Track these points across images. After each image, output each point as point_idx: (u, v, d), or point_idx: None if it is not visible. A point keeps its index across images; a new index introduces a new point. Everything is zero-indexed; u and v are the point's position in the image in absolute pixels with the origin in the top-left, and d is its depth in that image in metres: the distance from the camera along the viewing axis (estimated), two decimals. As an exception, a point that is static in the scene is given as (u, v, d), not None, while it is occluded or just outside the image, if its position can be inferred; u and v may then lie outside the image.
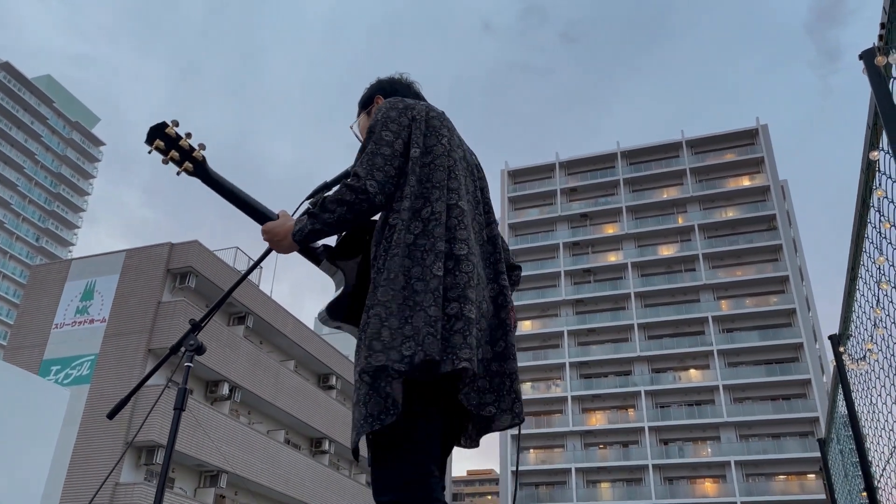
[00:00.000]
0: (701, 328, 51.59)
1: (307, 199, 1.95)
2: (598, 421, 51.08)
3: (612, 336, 53.32)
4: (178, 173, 1.79)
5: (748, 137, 56.94)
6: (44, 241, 78.04)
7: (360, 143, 2.09)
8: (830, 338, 2.75)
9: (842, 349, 2.69)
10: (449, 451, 1.77)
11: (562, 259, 56.77)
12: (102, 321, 23.52)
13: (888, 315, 1.80)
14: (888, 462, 2.03)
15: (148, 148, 1.75)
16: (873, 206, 1.81)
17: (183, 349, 1.94)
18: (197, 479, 23.55)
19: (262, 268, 28.86)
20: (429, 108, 1.90)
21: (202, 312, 19.97)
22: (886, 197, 1.62)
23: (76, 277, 24.77)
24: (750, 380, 48.66)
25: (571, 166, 61.09)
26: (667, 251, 55.07)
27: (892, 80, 1.44)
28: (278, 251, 1.78)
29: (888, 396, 1.93)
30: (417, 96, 2.09)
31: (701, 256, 53.41)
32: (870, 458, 2.46)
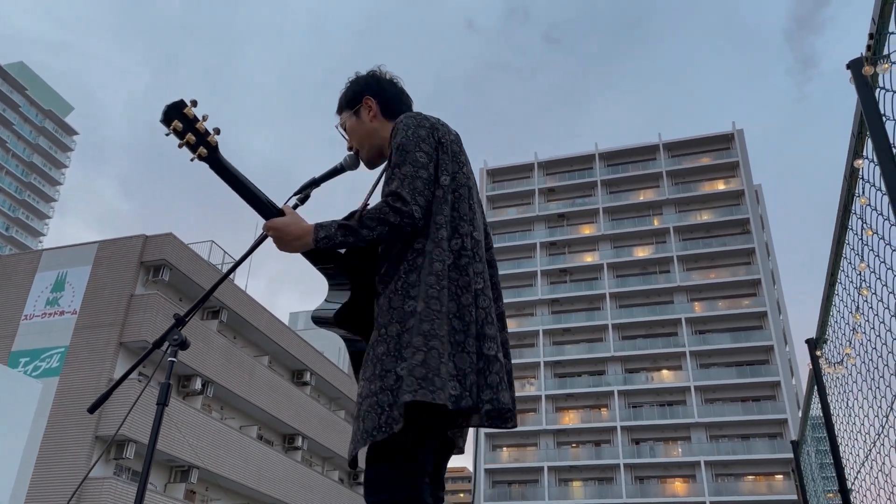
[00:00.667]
0: (674, 329, 52.16)
1: (295, 194, 1.93)
2: (571, 420, 51.44)
3: (587, 336, 53.70)
4: (191, 159, 1.70)
5: (724, 142, 57.63)
6: (14, 230, 76.65)
7: (344, 142, 2.08)
8: (808, 342, 2.80)
9: (819, 353, 2.73)
10: (446, 461, 1.81)
11: (538, 259, 57.05)
12: (73, 313, 23.16)
13: (867, 321, 1.83)
14: (863, 464, 2.07)
15: (165, 129, 1.65)
16: (855, 212, 1.84)
17: (167, 343, 1.90)
18: (167, 475, 23.31)
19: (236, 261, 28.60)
20: (446, 128, 1.91)
21: (176, 306, 19.70)
22: (870, 205, 1.64)
23: (47, 268, 24.36)
24: (721, 381, 49.30)
25: (550, 167, 61.38)
26: (642, 253, 55.58)
27: (878, 89, 1.46)
28: (283, 249, 1.75)
29: (864, 400, 1.97)
30: (405, 97, 2.08)
31: (675, 258, 53.99)
32: (843, 461, 2.50)
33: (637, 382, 51.10)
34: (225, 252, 27.79)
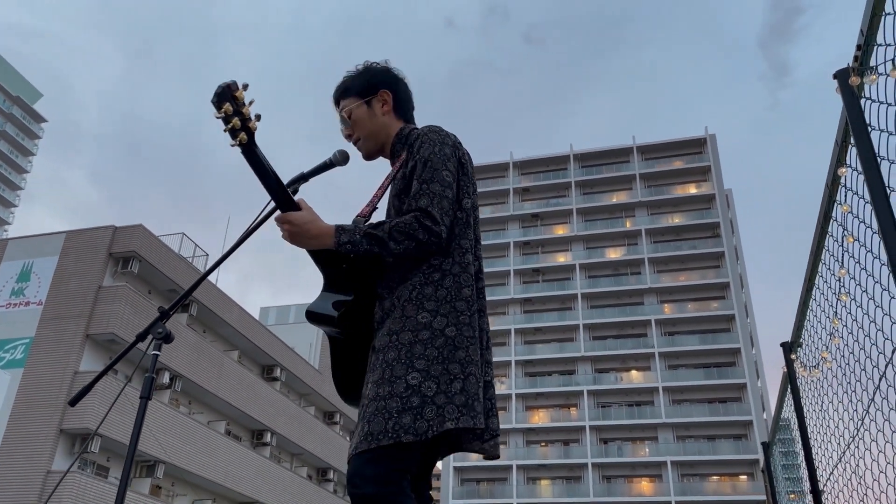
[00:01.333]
0: (644, 330, 52.73)
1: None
2: (540, 419, 51.76)
3: (558, 335, 54.06)
4: (232, 145, 1.63)
5: (696, 146, 58.37)
6: (-23, 218, 75.03)
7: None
8: (783, 345, 2.84)
9: (793, 356, 2.78)
10: (434, 462, 1.83)
11: (512, 258, 57.28)
12: (39, 304, 22.73)
13: (845, 326, 1.86)
14: (836, 466, 2.12)
15: (215, 112, 1.59)
16: (836, 219, 1.87)
17: (151, 337, 1.87)
18: (133, 469, 22.97)
19: (207, 255, 28.31)
20: (463, 148, 1.92)
21: (144, 299, 19.41)
22: (851, 212, 1.68)
23: (12, 258, 23.86)
24: (688, 382, 49.96)
25: (525, 166, 61.65)
26: (614, 254, 56.09)
27: (865, 100, 1.49)
28: (294, 243, 1.74)
29: (840, 403, 2.01)
30: (412, 102, 2.09)
31: (647, 260, 54.56)
32: (816, 463, 2.55)
33: (606, 382, 51.57)
34: (196, 245, 27.48)
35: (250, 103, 1.63)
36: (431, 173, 1.75)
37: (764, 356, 51.76)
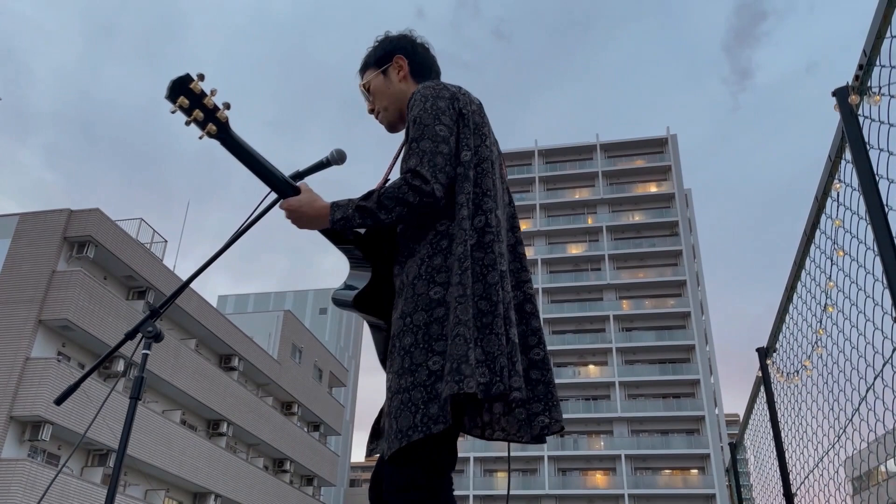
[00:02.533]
0: (602, 326, 53.46)
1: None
2: (498, 412, 52.11)
3: (518, 329, 54.43)
4: (200, 137, 1.58)
5: (658, 146, 59.24)
6: (-78, 197, 72.41)
7: (366, 100, 1.97)
8: (758, 350, 2.91)
9: (769, 361, 2.84)
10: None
11: (474, 251, 57.47)
12: (-12, 288, 22.03)
13: (829, 336, 1.91)
14: (811, 471, 2.17)
15: (170, 106, 1.53)
16: (824, 231, 1.91)
17: (140, 335, 1.81)
18: (84, 458, 22.50)
19: (166, 241, 27.75)
20: (469, 97, 1.80)
21: (100, 284, 18.90)
22: (843, 227, 1.71)
23: (-39, 239, 23.06)
24: (644, 377, 50.85)
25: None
26: (575, 250, 56.68)
27: (865, 119, 1.52)
28: (299, 226, 1.68)
29: (819, 411, 2.06)
30: (435, 63, 1.99)
31: (607, 257, 55.27)
32: (790, 467, 2.61)
33: (565, 376, 52.16)
34: (154, 231, 26.91)
35: (212, 93, 1.58)
36: (421, 130, 1.66)
37: (717, 354, 52.90)
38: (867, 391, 1.62)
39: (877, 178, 1.47)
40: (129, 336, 1.77)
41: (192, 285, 31.04)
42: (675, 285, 54.00)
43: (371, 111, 1.98)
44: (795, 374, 2.32)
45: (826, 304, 1.91)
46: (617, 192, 57.86)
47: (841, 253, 1.76)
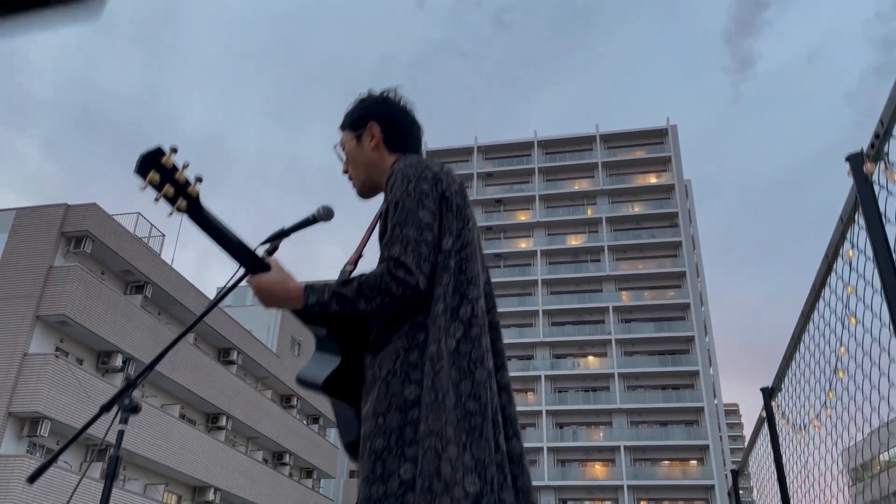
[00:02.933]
0: (601, 317, 53.46)
1: (263, 243, 1.78)
2: (498, 403, 52.18)
3: (518, 321, 54.48)
4: (169, 214, 1.52)
5: (658, 136, 59.06)
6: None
7: (340, 160, 1.90)
8: (763, 390, 2.84)
9: (773, 403, 2.78)
10: None
11: (473, 243, 57.40)
12: (-14, 283, 21.96)
13: (839, 400, 1.84)
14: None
15: (140, 182, 1.47)
16: (834, 291, 1.84)
17: (117, 408, 1.73)
18: (83, 453, 22.52)
19: (164, 235, 27.66)
20: (451, 176, 1.72)
21: (97, 279, 18.79)
22: (856, 295, 1.64)
23: (-43, 234, 22.97)
24: (643, 369, 50.92)
25: (489, 151, 61.65)
26: (575, 241, 56.62)
27: (881, 189, 1.44)
28: (267, 305, 1.59)
29: (827, 471, 1.99)
30: (416, 129, 1.90)
31: (606, 248, 55.22)
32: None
33: (564, 368, 52.24)
34: (152, 225, 26.82)
35: (185, 167, 1.51)
36: (405, 215, 1.58)
37: (717, 345, 52.95)
38: (873, 458, 1.55)
39: (894, 255, 1.39)
40: (105, 409, 1.68)
41: (191, 279, 31.08)
42: (674, 276, 53.99)
43: (344, 172, 1.92)
44: (803, 428, 2.25)
45: (837, 367, 1.84)
46: (616, 182, 57.74)
47: (853, 320, 1.68)
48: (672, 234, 54.95)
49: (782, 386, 2.64)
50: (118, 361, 23.19)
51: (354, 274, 1.62)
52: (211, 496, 26.95)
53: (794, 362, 2.43)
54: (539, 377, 51.73)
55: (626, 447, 48.32)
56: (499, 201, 59.15)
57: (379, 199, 1.88)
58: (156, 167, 1.49)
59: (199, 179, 1.54)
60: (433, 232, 1.58)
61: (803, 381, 2.23)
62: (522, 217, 58.16)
